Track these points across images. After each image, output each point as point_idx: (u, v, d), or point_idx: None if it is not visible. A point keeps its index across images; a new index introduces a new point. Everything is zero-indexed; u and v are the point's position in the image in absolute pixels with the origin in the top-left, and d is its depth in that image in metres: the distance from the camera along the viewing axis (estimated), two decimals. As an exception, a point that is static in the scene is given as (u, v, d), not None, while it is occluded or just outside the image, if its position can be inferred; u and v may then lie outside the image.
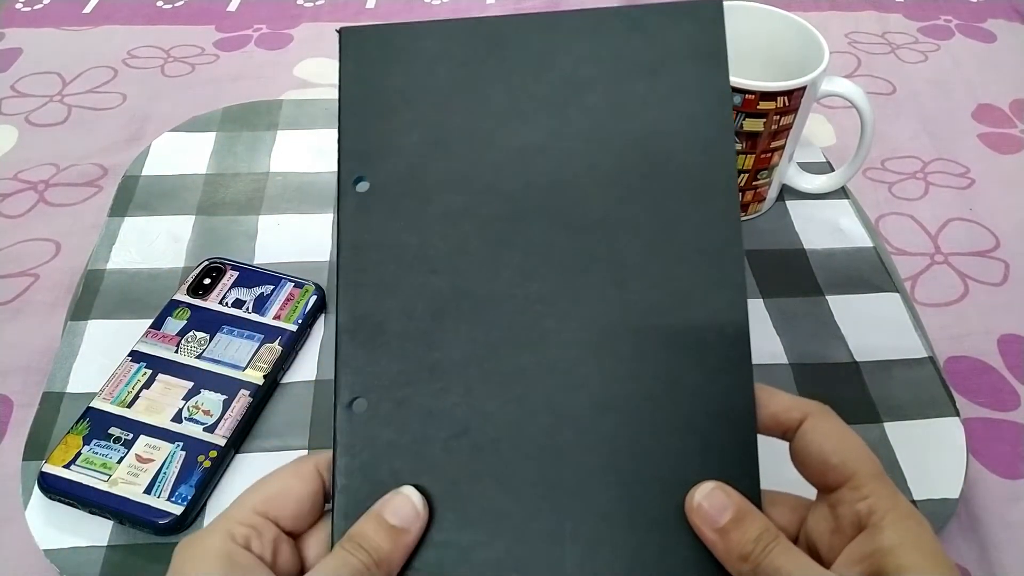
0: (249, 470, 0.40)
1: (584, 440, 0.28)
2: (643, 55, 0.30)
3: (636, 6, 0.30)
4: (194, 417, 0.41)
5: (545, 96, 0.30)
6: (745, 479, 0.27)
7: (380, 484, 0.27)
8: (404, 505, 0.27)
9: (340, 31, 0.30)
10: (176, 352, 0.43)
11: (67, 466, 0.38)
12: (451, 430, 0.28)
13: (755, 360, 0.45)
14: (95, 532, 0.38)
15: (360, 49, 0.30)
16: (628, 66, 0.30)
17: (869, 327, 0.48)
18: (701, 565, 0.27)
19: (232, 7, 0.79)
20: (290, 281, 0.47)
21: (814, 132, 0.65)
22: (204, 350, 0.44)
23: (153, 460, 0.39)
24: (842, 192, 0.57)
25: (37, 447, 0.41)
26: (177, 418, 0.41)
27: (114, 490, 0.38)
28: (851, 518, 0.26)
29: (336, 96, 0.30)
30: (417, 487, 0.27)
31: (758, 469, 0.27)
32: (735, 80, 0.47)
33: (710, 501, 0.26)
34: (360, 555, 0.25)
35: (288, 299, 0.46)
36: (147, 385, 0.42)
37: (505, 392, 0.28)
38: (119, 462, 0.39)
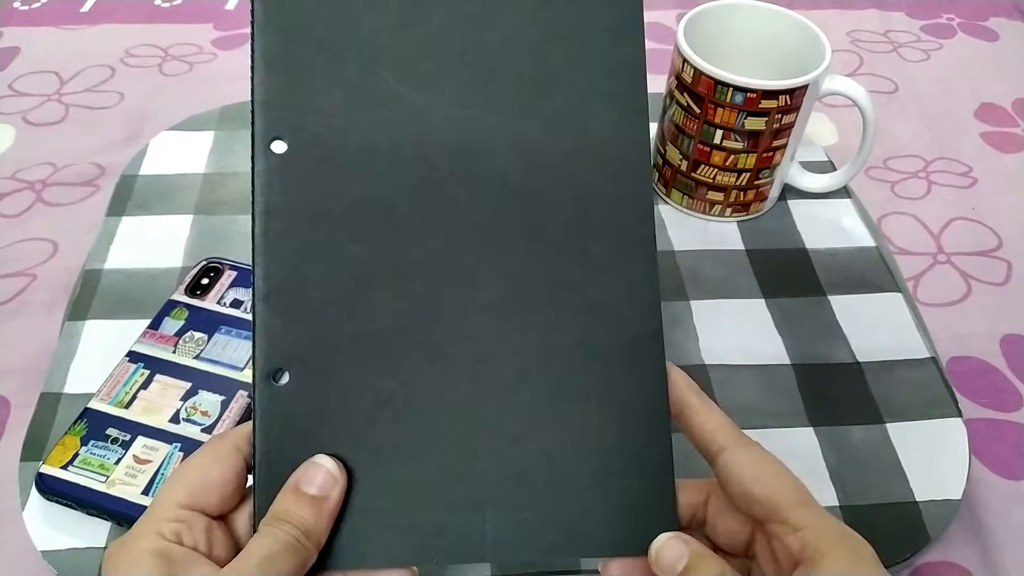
0: (247, 471, 0.40)
1: (505, 408, 0.28)
2: (569, 29, 0.30)
3: None
4: (192, 418, 0.40)
5: (474, 64, 0.29)
6: (654, 460, 0.28)
7: (301, 458, 0.27)
8: (319, 473, 0.26)
9: None
10: (174, 352, 0.43)
11: (65, 467, 0.38)
12: (373, 400, 0.28)
13: (758, 360, 0.46)
14: (93, 533, 0.37)
15: None
16: (554, 40, 0.30)
17: (871, 327, 0.48)
18: (615, 528, 0.28)
19: (230, 5, 0.79)
20: (289, 281, 0.47)
21: (816, 131, 0.65)
22: (202, 350, 0.43)
23: (151, 461, 0.39)
24: (844, 191, 0.56)
25: (35, 448, 0.41)
26: (175, 419, 0.40)
27: (112, 491, 0.37)
28: (785, 552, 0.26)
29: None
30: (337, 456, 0.27)
31: (671, 448, 0.28)
32: (738, 79, 0.47)
33: (667, 550, 0.27)
34: (287, 529, 0.25)
35: (287, 299, 0.46)
36: (145, 386, 0.42)
37: (427, 361, 0.28)
38: (117, 463, 0.38)
